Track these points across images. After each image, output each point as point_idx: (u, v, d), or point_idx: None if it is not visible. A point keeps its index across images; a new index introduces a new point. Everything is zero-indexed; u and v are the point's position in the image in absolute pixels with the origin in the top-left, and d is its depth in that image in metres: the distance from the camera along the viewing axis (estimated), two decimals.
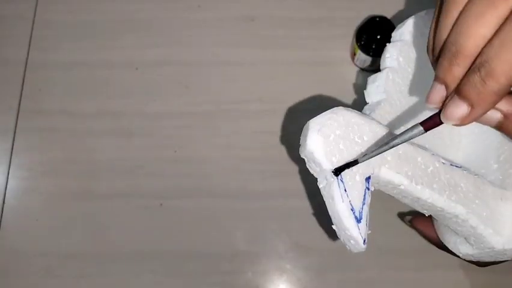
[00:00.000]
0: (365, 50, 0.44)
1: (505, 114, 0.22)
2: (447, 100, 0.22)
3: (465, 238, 0.33)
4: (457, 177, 0.31)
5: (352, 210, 0.26)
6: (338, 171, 0.26)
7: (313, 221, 0.42)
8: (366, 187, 0.27)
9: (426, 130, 0.24)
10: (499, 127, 0.23)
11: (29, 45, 0.49)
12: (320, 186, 0.27)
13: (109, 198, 0.43)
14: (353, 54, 0.46)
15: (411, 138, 0.24)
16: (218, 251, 0.41)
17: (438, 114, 0.23)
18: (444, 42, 0.22)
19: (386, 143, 0.25)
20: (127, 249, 0.41)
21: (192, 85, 0.47)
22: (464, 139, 0.37)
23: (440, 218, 0.32)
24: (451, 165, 0.31)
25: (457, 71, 0.22)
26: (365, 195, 0.26)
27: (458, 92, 0.22)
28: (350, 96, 0.46)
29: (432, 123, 0.23)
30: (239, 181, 0.43)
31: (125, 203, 0.43)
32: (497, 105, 0.22)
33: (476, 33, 0.20)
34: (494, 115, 0.22)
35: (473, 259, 0.34)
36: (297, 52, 0.48)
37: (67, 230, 0.42)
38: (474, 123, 0.22)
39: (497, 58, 0.20)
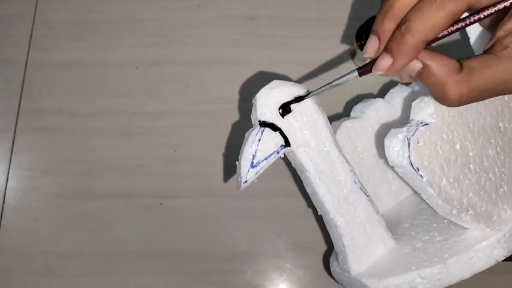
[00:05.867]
0: None
1: (424, 65, 0.25)
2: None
3: (336, 254, 0.36)
4: (357, 200, 0.33)
5: (253, 156, 0.30)
6: (264, 124, 0.31)
7: (313, 220, 0.42)
8: (276, 151, 0.31)
9: (360, 75, 0.27)
10: (419, 76, 0.26)
11: (29, 45, 0.49)
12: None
13: (109, 198, 0.43)
14: (353, 54, 0.46)
15: (348, 81, 0.28)
16: (218, 251, 0.41)
17: (372, 63, 0.27)
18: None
19: (327, 84, 0.29)
20: (127, 248, 0.41)
21: (191, 85, 0.47)
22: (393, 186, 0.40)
23: (326, 222, 0.34)
24: (360, 188, 0.33)
25: (387, 25, 0.25)
26: (271, 154, 0.31)
27: (385, 46, 0.26)
28: (350, 96, 0.46)
29: (365, 70, 0.27)
30: None
31: (125, 202, 0.43)
32: (419, 57, 0.25)
33: None
34: (416, 64, 0.26)
35: (336, 278, 0.36)
36: (297, 52, 0.48)
37: (67, 230, 0.42)
38: None
39: (414, 18, 0.24)
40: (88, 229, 0.42)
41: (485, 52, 0.25)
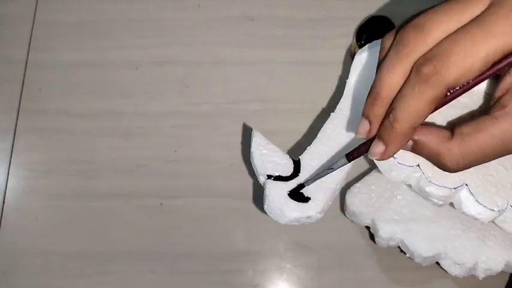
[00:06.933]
0: None
1: (414, 141, 0.27)
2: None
3: None
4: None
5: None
6: (269, 177, 0.33)
7: None
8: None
9: (349, 161, 0.29)
10: (413, 150, 0.27)
11: (29, 45, 0.49)
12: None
13: (109, 198, 0.43)
14: (353, 54, 0.46)
15: (339, 167, 0.30)
16: (218, 251, 0.41)
17: (362, 146, 0.28)
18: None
19: (318, 173, 0.31)
20: (127, 248, 0.41)
21: (192, 85, 0.47)
22: None
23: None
24: None
25: (376, 110, 0.26)
26: None
27: (377, 134, 0.27)
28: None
29: (356, 154, 0.29)
30: (239, 181, 0.43)
31: (125, 202, 0.43)
32: None
33: (389, 81, 0.25)
34: (407, 144, 0.27)
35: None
36: (297, 52, 0.48)
37: (67, 230, 0.42)
38: None
39: (400, 107, 0.25)
40: (88, 229, 0.42)
41: (484, 113, 0.25)
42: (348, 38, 0.48)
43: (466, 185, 0.30)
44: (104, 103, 0.46)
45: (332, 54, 0.48)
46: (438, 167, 0.27)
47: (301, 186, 0.33)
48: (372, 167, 0.42)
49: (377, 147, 0.26)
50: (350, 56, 0.47)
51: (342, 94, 0.36)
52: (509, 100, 0.25)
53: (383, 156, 0.27)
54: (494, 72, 0.24)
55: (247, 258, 0.41)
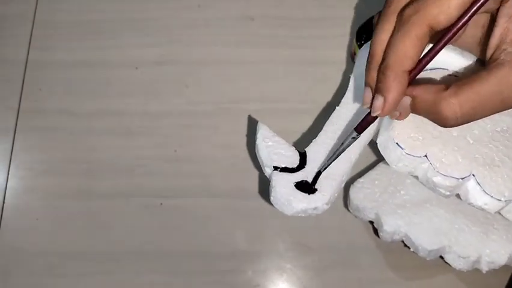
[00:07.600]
0: None
1: (412, 96, 0.27)
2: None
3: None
4: None
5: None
6: (276, 168, 0.33)
7: (313, 220, 0.42)
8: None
9: (359, 132, 0.29)
10: (412, 109, 0.27)
11: (29, 45, 0.49)
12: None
13: (109, 198, 0.43)
14: (353, 54, 0.46)
15: (351, 143, 0.30)
16: (218, 250, 0.41)
17: (367, 115, 0.28)
18: None
19: (332, 156, 0.31)
20: (127, 248, 0.41)
21: (191, 85, 0.47)
22: None
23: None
24: None
25: (373, 73, 0.27)
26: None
27: (374, 89, 0.27)
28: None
29: (364, 124, 0.29)
30: (239, 181, 0.43)
31: (125, 202, 0.43)
32: (406, 92, 0.27)
33: (380, 40, 0.27)
34: (406, 100, 0.27)
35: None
36: (297, 52, 0.48)
37: (67, 230, 0.42)
38: None
39: (388, 54, 0.26)
40: (88, 228, 0.42)
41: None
42: (349, 38, 0.48)
43: (473, 175, 0.30)
44: (104, 103, 0.46)
45: (332, 54, 0.48)
46: (437, 122, 0.26)
47: (319, 173, 0.32)
48: (377, 160, 0.42)
49: (376, 101, 0.27)
50: (350, 56, 0.47)
51: (345, 92, 0.37)
52: (500, 54, 0.25)
53: (385, 110, 0.27)
54: (473, 13, 0.25)
55: (247, 258, 0.41)
